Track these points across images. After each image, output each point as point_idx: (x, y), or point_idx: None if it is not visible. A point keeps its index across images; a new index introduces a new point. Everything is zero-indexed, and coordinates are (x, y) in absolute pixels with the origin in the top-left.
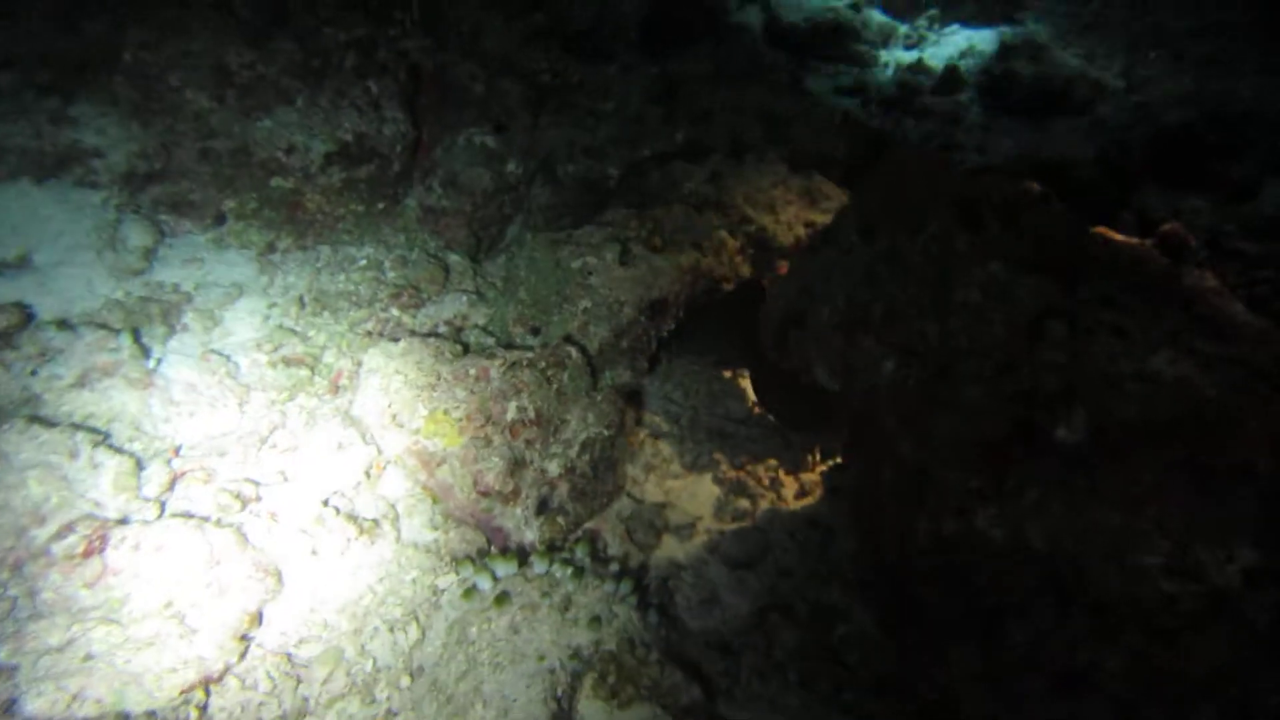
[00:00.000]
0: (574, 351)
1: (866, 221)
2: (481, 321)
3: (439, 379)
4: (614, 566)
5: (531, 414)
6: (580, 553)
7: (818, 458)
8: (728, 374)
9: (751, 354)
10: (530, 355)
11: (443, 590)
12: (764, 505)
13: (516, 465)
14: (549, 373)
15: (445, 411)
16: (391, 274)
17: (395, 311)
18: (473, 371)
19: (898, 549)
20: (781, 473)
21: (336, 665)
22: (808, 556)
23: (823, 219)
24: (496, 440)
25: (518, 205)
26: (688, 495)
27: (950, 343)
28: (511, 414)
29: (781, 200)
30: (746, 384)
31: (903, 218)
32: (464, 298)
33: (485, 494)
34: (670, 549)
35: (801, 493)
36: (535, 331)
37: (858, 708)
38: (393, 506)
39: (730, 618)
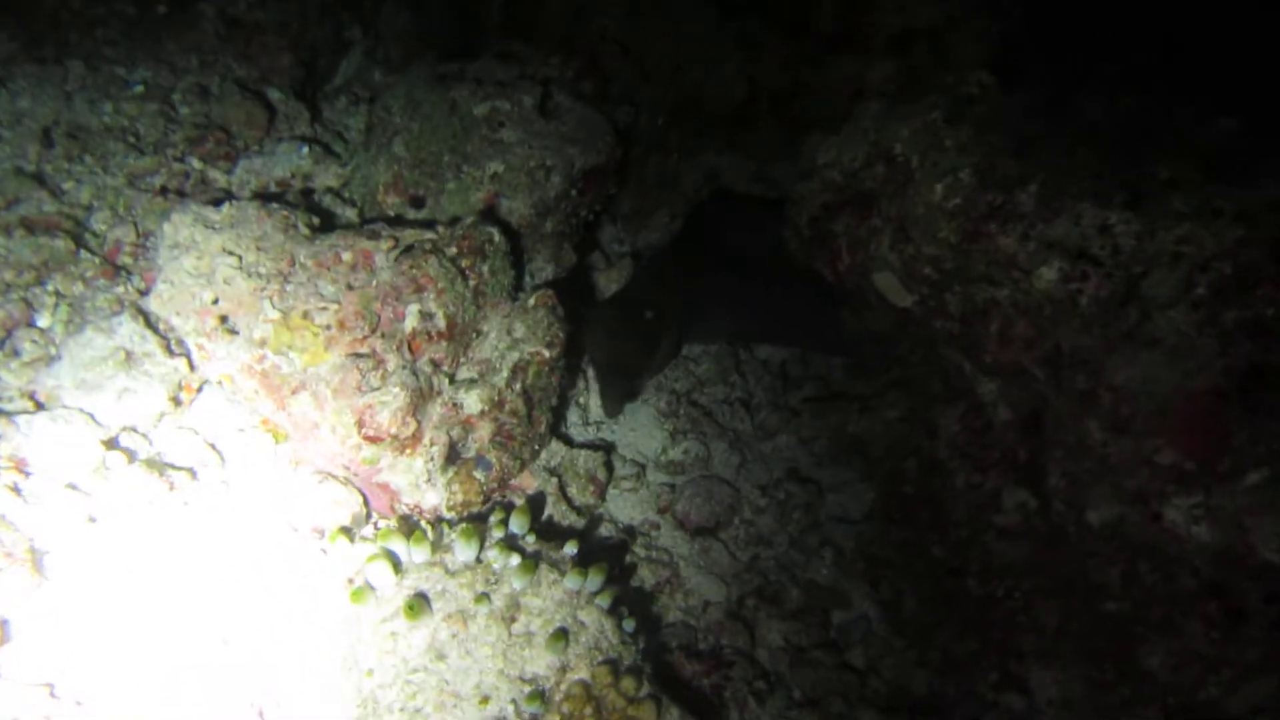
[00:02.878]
0: (496, 234)
1: (996, 56)
2: (333, 184)
3: (294, 265)
4: (570, 548)
5: (441, 323)
6: (518, 526)
7: (782, 387)
8: None
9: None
10: (433, 236)
11: (310, 583)
12: (721, 448)
13: (419, 397)
14: (464, 263)
15: (305, 314)
16: (185, 110)
17: (197, 163)
18: (347, 256)
19: (965, 529)
20: (739, 404)
21: (133, 707)
22: (788, 519)
23: (774, 84)
24: (391, 360)
25: (365, 29)
26: (624, 435)
27: (1149, 244)
28: (412, 322)
29: (719, 49)
30: None
31: (1068, 48)
32: (303, 149)
33: (374, 439)
34: (610, 509)
35: (766, 434)
36: (418, 203)
37: None
38: (215, 448)
39: (695, 605)
